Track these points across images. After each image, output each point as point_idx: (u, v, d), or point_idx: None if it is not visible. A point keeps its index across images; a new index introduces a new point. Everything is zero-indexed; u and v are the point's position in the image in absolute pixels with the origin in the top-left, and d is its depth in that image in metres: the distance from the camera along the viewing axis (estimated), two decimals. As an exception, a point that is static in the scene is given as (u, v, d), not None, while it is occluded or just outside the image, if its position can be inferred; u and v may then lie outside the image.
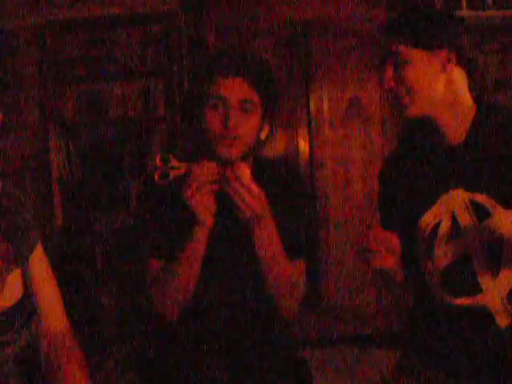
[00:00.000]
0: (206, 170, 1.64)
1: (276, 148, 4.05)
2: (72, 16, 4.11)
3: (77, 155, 4.17)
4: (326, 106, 4.07)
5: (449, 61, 1.65)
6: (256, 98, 1.70)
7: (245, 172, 1.63)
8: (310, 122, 4.08)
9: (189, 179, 1.62)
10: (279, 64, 4.02)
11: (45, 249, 1.47)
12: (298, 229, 1.84)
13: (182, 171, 1.64)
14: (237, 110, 1.68)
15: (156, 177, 1.65)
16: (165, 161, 1.65)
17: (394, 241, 1.64)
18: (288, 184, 1.85)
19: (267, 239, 1.70)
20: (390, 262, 1.65)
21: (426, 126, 1.72)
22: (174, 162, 1.65)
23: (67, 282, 3.91)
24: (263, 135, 1.77)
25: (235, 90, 1.68)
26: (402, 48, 1.65)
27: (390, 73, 1.68)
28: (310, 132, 4.09)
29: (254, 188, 1.62)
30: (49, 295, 1.47)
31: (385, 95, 3.99)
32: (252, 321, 1.82)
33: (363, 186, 4.06)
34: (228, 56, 1.77)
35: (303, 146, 4.10)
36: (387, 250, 1.63)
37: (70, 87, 4.17)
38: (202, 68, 1.80)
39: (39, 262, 1.45)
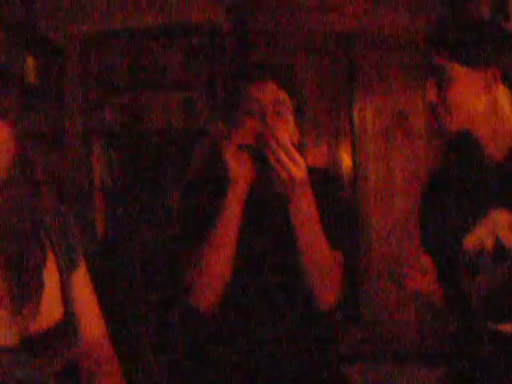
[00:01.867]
0: (245, 130, 1.66)
1: (318, 161, 4.01)
2: (115, 26, 4.13)
3: (119, 165, 4.18)
4: (369, 119, 4.02)
5: (495, 81, 1.59)
6: (287, 101, 1.75)
7: (284, 134, 1.60)
8: (353, 134, 4.03)
9: (227, 138, 1.66)
10: (322, 76, 3.99)
11: (86, 260, 1.46)
12: (336, 219, 1.79)
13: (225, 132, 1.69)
14: (271, 111, 1.71)
15: (206, 144, 1.70)
16: (213, 125, 1.72)
17: (427, 262, 1.59)
18: (326, 189, 1.82)
19: (305, 211, 1.63)
20: (423, 284, 1.60)
21: (466, 141, 1.66)
22: (221, 127, 1.71)
23: (106, 293, 3.90)
24: (295, 139, 1.78)
25: (268, 92, 1.73)
26: (445, 63, 1.59)
27: (431, 87, 1.62)
28: (352, 145, 4.04)
29: (294, 152, 1.58)
30: (91, 314, 1.45)
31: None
32: (290, 319, 1.77)
33: (407, 200, 3.98)
34: (258, 64, 1.82)
35: (346, 159, 4.06)
36: (420, 272, 1.58)
37: (113, 97, 4.19)
38: (236, 77, 1.93)
39: (82, 280, 1.42)
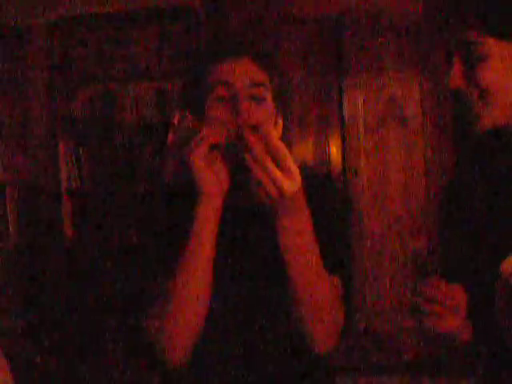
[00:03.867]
0: (220, 130, 1.24)
1: (305, 155, 3.69)
2: (84, 12, 3.81)
3: (87, 162, 3.85)
4: (360, 109, 3.69)
5: None
6: (267, 82, 1.36)
7: (270, 129, 1.18)
8: (343, 126, 3.71)
9: (196, 138, 1.25)
10: (309, 61, 3.67)
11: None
12: (333, 237, 1.41)
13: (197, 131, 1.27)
14: (247, 97, 1.32)
15: (169, 136, 1.31)
16: (182, 119, 1.31)
17: (459, 297, 1.24)
18: (318, 192, 1.43)
19: (298, 231, 1.23)
20: (453, 324, 1.25)
21: (506, 141, 1.31)
22: (192, 122, 1.30)
23: (71, 301, 3.61)
24: (278, 131, 1.41)
25: (242, 71, 1.34)
26: (477, 37, 1.24)
27: (458, 70, 1.27)
28: (342, 137, 3.71)
29: (286, 156, 1.16)
30: None
31: (426, 96, 3.64)
32: (275, 358, 1.40)
33: (402, 196, 3.67)
34: (229, 36, 1.45)
35: (335, 152, 3.73)
36: (449, 309, 1.23)
37: (81, 88, 3.88)
38: (200, 52, 1.46)
39: None
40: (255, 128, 1.20)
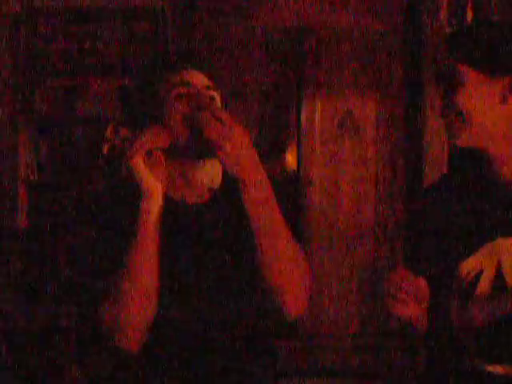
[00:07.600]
0: (157, 134, 1.41)
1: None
2: (52, 4, 3.84)
3: (47, 155, 3.87)
4: (317, 121, 3.80)
5: (510, 91, 1.42)
6: (217, 90, 1.55)
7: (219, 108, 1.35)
8: (299, 136, 3.81)
9: (135, 144, 1.40)
10: (269, 73, 3.76)
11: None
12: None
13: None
14: (205, 96, 1.50)
15: (105, 150, 1.41)
16: (116, 132, 1.41)
17: (423, 287, 1.36)
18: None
19: (264, 200, 1.38)
20: (416, 311, 1.38)
21: (478, 160, 1.48)
22: (125, 133, 1.42)
23: (26, 292, 3.63)
24: None
25: (199, 77, 1.53)
26: (457, 67, 1.42)
27: (439, 93, 1.47)
28: (298, 147, 3.81)
29: (229, 118, 1.36)
30: None
31: (381, 111, 3.77)
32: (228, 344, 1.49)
33: (354, 207, 3.79)
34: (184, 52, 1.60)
35: (291, 162, 3.83)
36: (414, 298, 1.36)
37: (45, 81, 3.89)
38: (161, 61, 1.67)
39: None
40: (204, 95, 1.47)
